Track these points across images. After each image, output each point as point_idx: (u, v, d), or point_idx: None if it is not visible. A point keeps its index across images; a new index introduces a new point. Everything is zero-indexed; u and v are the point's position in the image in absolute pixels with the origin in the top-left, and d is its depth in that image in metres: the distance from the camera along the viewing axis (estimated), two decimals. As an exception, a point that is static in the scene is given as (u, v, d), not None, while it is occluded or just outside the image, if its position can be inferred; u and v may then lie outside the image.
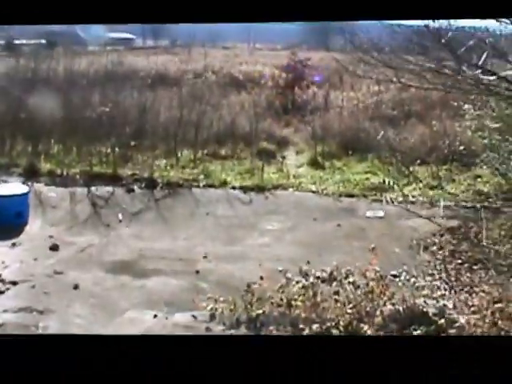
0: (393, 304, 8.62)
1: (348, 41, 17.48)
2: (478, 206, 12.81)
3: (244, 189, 14.55)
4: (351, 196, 14.14)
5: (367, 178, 15.12)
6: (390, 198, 13.74)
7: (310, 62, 21.30)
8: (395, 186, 14.51)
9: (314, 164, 16.51)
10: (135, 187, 14.46)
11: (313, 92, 20.98)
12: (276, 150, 17.48)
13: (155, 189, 14.32)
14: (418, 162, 15.74)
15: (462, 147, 15.30)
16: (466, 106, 14.85)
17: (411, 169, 15.46)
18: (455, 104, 16.41)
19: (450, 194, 13.67)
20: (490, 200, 13.00)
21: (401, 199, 13.70)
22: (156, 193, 14.24)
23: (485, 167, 14.17)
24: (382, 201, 13.74)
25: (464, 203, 13.22)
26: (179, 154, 16.31)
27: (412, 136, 17.21)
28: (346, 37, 18.02)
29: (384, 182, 14.76)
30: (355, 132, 18.06)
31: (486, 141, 13.77)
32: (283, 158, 17.08)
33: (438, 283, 9.84)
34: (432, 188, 14.19)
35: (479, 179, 14.59)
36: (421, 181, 14.72)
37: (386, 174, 15.36)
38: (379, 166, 16.09)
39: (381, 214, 12.98)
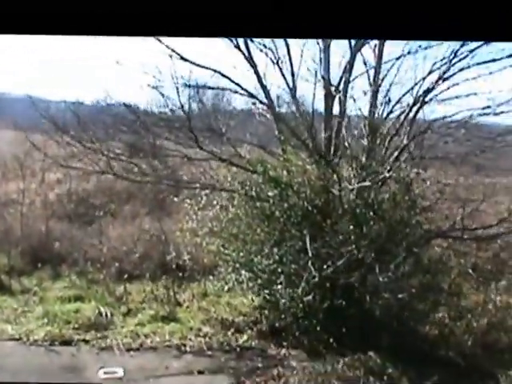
0: None
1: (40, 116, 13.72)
2: (237, 348, 10.55)
3: None
4: (67, 342, 10.47)
5: (77, 310, 11.59)
6: (122, 343, 10.53)
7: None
8: (115, 318, 11.40)
9: (-1, 286, 12.23)
10: None
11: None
12: None
13: None
14: (126, 276, 12.89)
15: (187, 257, 12.90)
16: (188, 202, 12.54)
17: (122, 287, 12.53)
18: (173, 198, 13.91)
19: (192, 329, 11.13)
20: (244, 337, 10.89)
21: (134, 344, 10.60)
22: None
23: (215, 281, 12.05)
24: (111, 347, 10.42)
25: (211, 341, 10.81)
26: None
27: (111, 240, 14.21)
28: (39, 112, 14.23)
29: (100, 313, 11.47)
30: (40, 236, 14.20)
31: (217, 248, 11.77)
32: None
33: None
34: (164, 320, 11.43)
35: (207, 298, 12.47)
36: (144, 308, 11.89)
37: (95, 298, 12.10)
38: (82, 285, 12.70)
39: (119, 372, 9.70)
